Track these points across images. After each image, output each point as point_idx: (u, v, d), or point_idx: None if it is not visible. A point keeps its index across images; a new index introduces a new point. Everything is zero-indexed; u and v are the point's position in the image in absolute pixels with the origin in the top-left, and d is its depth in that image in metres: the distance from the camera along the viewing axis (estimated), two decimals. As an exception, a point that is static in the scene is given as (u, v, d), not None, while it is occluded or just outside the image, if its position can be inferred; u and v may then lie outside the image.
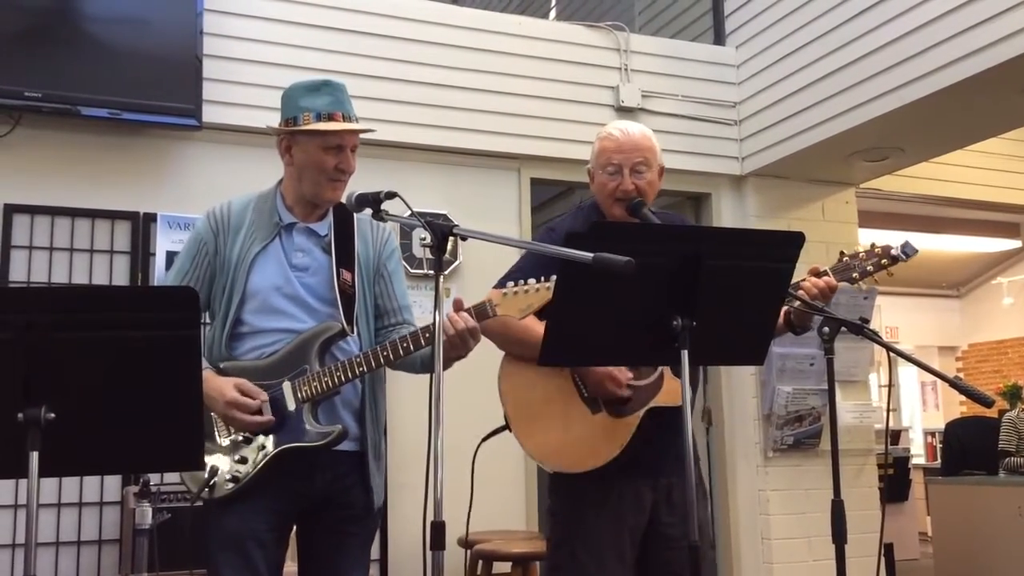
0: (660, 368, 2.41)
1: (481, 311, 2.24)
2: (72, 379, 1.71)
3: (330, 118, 2.36)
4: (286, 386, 2.31)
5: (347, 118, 2.38)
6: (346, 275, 2.40)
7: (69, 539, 3.88)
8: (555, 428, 2.38)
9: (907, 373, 11.53)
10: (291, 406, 2.30)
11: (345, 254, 2.43)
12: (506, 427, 2.45)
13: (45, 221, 4.07)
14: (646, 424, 2.35)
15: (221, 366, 2.36)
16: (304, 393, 2.29)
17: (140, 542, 3.11)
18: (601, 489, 2.39)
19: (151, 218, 4.19)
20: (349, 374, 2.28)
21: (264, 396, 2.29)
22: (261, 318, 2.37)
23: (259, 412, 2.28)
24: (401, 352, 2.27)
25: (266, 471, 2.28)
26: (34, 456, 1.66)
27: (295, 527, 2.43)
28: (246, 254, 2.39)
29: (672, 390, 2.33)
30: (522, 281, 2.20)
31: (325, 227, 2.45)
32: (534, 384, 2.41)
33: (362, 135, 2.44)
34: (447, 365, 2.29)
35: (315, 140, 2.36)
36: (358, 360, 2.29)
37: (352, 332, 2.37)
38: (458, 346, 2.22)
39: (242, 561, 2.26)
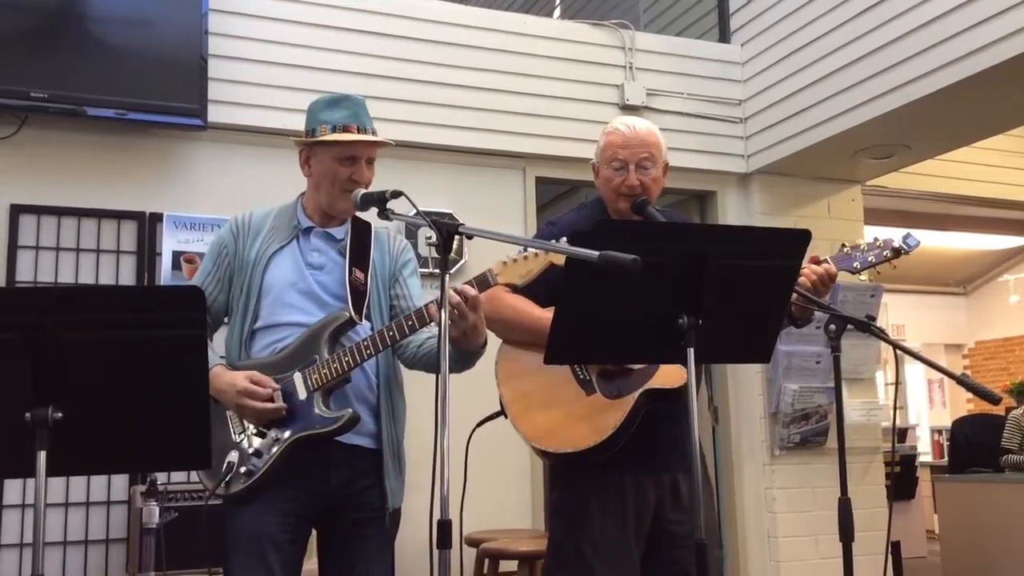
0: None
1: (482, 281, 2.25)
2: (79, 379, 1.72)
3: (345, 130, 2.42)
4: (296, 376, 2.33)
5: (362, 131, 2.44)
6: (358, 274, 2.44)
7: (76, 538, 3.88)
8: (549, 410, 2.37)
9: (913, 371, 11.50)
10: (302, 395, 2.32)
11: (360, 256, 2.48)
12: (501, 412, 2.44)
13: (51, 221, 4.07)
14: (648, 414, 2.33)
15: (237, 365, 2.39)
16: (314, 381, 2.32)
17: (147, 541, 3.11)
18: (603, 484, 2.38)
19: (157, 218, 4.19)
20: (357, 358, 2.31)
21: (275, 386, 2.32)
22: (275, 313, 2.41)
23: (271, 400, 2.31)
24: (406, 330, 2.29)
25: (280, 463, 2.30)
26: (41, 456, 1.66)
27: (315, 532, 2.44)
28: (263, 253, 2.45)
29: (669, 372, 2.31)
30: (521, 249, 2.21)
31: (342, 232, 2.51)
32: (530, 368, 2.40)
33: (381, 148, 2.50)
34: (470, 360, 2.31)
35: (330, 151, 2.43)
36: (365, 343, 2.31)
37: (360, 321, 2.39)
38: (458, 322, 2.22)
39: (257, 562, 2.27)
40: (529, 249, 2.21)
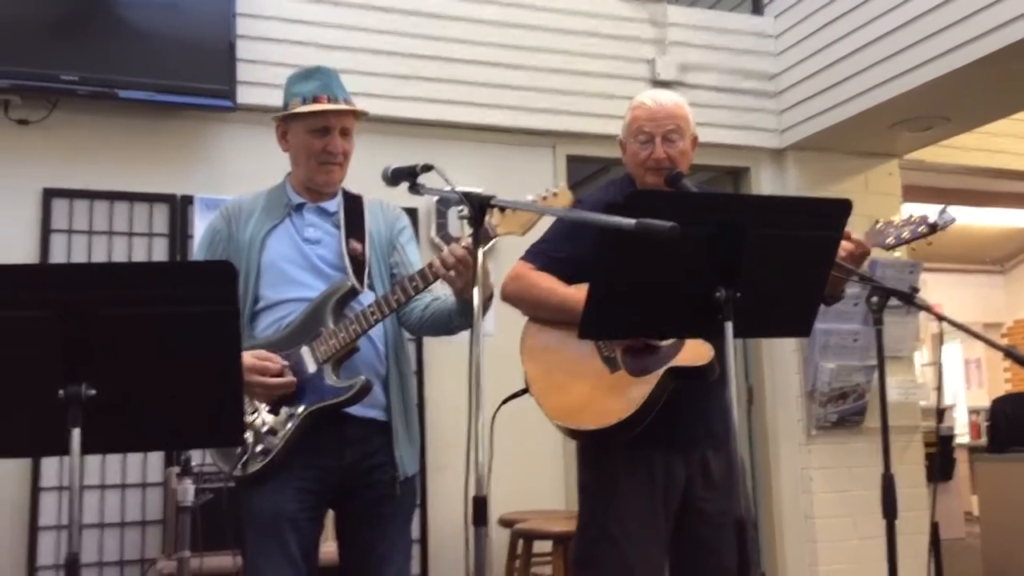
0: None
1: (484, 234, 2.21)
2: (112, 355, 1.71)
3: (315, 101, 2.40)
4: (304, 351, 2.32)
5: (333, 100, 2.41)
6: (356, 244, 2.43)
7: (113, 520, 3.92)
8: (573, 387, 2.34)
9: (951, 351, 11.34)
10: (312, 368, 2.31)
11: (355, 227, 2.47)
12: (526, 390, 2.41)
13: (84, 205, 4.09)
14: (676, 391, 2.28)
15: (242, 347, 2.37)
16: (322, 352, 2.30)
17: (183, 520, 3.13)
18: (632, 462, 2.35)
19: (188, 200, 4.20)
20: (364, 324, 2.29)
21: (284, 362, 2.31)
22: (277, 290, 2.40)
23: (280, 375, 2.30)
24: (411, 291, 2.28)
25: (296, 439, 2.28)
26: (75, 433, 1.66)
27: (333, 515, 2.44)
28: (258, 233, 2.44)
29: (693, 350, 2.26)
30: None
31: (335, 205, 2.50)
32: (554, 345, 2.38)
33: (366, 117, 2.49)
34: (468, 315, 2.26)
35: (303, 123, 2.42)
36: (371, 309, 2.29)
37: (363, 289, 2.38)
38: (464, 273, 2.23)
39: (275, 541, 2.26)
40: (528, 197, 2.22)
